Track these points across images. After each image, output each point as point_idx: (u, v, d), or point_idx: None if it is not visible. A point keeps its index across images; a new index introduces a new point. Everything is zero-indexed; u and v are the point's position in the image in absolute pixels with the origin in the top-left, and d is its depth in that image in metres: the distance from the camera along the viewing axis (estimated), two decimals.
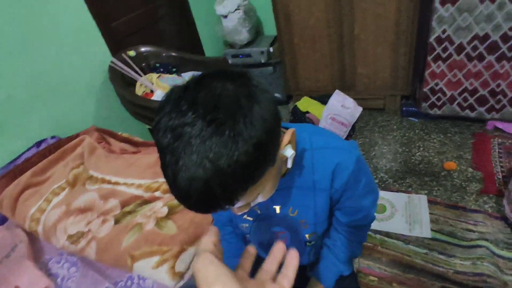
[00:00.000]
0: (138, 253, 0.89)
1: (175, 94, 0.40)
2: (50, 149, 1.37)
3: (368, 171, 0.60)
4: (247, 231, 0.68)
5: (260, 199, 0.48)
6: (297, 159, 0.55)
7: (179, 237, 0.91)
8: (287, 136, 0.47)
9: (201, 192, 0.37)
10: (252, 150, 0.37)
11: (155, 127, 0.40)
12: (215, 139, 0.36)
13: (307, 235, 0.64)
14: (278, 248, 0.42)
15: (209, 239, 0.40)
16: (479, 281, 1.23)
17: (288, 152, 0.47)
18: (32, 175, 1.27)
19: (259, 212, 0.64)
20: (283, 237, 0.66)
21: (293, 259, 0.40)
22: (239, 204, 0.43)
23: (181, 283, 0.84)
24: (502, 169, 1.64)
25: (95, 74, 1.65)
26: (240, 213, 0.49)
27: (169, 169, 0.38)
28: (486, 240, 1.35)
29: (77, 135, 1.46)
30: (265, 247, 0.72)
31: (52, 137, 1.46)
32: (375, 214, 1.55)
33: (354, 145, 0.58)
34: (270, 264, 0.41)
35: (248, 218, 0.66)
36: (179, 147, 0.37)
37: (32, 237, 1.14)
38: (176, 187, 0.39)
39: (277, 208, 0.61)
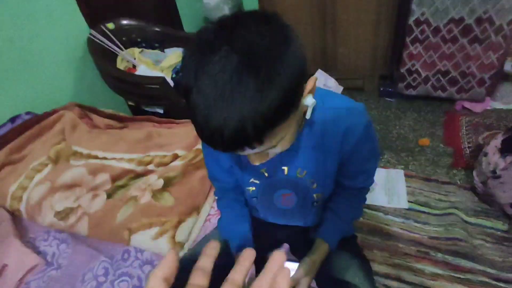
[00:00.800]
0: (135, 225, 0.88)
1: (207, 33, 0.40)
2: (26, 125, 1.29)
3: (375, 136, 0.63)
4: (254, 194, 0.70)
5: (279, 149, 0.49)
6: (310, 119, 0.56)
7: (177, 209, 0.91)
8: (310, 83, 0.47)
9: (234, 130, 0.38)
10: (285, 89, 0.38)
11: (184, 67, 0.39)
12: (251, 76, 0.36)
13: (315, 195, 0.67)
14: (247, 254, 0.32)
15: (159, 273, 0.28)
16: (451, 244, 1.35)
17: (309, 100, 0.47)
18: (9, 152, 1.19)
19: (266, 175, 0.65)
20: (289, 199, 0.68)
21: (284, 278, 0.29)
22: (265, 146, 0.44)
23: (182, 253, 0.85)
24: (470, 144, 1.78)
25: (72, 47, 1.55)
26: (259, 163, 0.50)
27: (200, 108, 0.38)
28: (456, 208, 1.47)
29: (54, 111, 1.38)
30: (271, 212, 0.74)
31: (27, 113, 1.37)
32: None
33: (363, 108, 0.60)
34: (236, 273, 0.30)
35: (255, 181, 0.67)
36: (213, 85, 0.37)
37: (13, 217, 1.08)
38: (208, 126, 0.39)
39: (285, 170, 0.63)
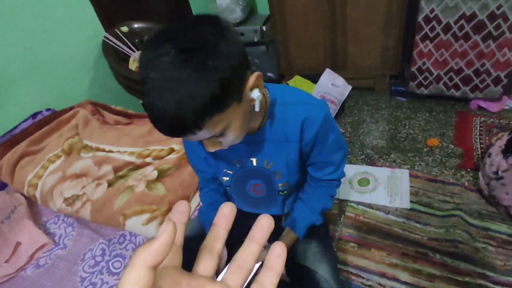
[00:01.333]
0: (129, 211, 0.96)
1: (155, 35, 0.46)
2: (45, 121, 1.42)
3: (337, 128, 0.66)
4: (228, 184, 0.75)
5: (231, 136, 0.53)
6: (271, 113, 0.61)
7: (168, 198, 0.97)
8: (252, 78, 0.52)
9: (173, 114, 0.44)
10: (216, 79, 0.43)
11: (139, 63, 0.46)
12: (186, 66, 0.42)
13: (280, 185, 0.70)
14: (226, 211, 0.25)
15: (147, 258, 0.18)
16: (451, 246, 1.32)
17: (255, 94, 0.52)
18: (29, 144, 1.32)
19: (238, 166, 0.70)
20: (259, 189, 0.72)
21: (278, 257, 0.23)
22: (207, 132, 0.48)
23: None
24: (482, 145, 1.71)
25: (89, 49, 1.67)
26: (213, 150, 0.55)
27: (148, 96, 0.45)
28: (460, 210, 1.43)
29: (71, 108, 1.51)
30: (245, 201, 0.78)
31: (47, 110, 1.50)
32: (362, 187, 1.62)
33: (324, 103, 0.63)
34: (214, 240, 0.25)
35: (229, 172, 0.72)
36: (156, 75, 0.43)
37: (30, 202, 1.20)
38: (153, 111, 0.45)
39: (254, 161, 0.67)
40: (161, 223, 0.91)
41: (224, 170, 0.72)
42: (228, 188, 0.76)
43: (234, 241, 0.78)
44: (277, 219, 0.79)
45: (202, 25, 0.45)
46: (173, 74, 0.42)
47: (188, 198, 1.00)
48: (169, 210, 0.95)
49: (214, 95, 0.44)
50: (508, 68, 1.75)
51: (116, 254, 0.93)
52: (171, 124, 0.45)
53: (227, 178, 0.73)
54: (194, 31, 0.45)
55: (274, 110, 0.61)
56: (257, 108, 0.53)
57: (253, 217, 0.81)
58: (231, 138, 0.53)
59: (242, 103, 0.50)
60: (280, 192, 0.72)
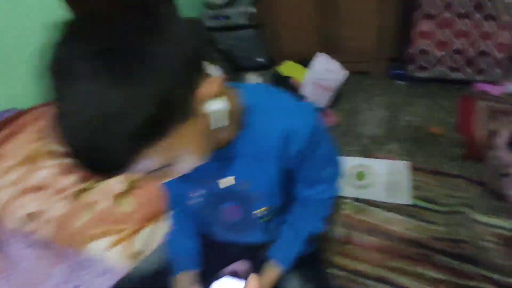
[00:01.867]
0: (92, 232, 0.84)
1: (66, 28, 0.32)
2: (6, 123, 1.27)
3: (328, 139, 0.53)
4: (196, 207, 0.61)
5: (186, 164, 0.40)
6: (245, 122, 0.48)
7: (136, 215, 0.85)
8: (209, 85, 0.37)
9: (87, 150, 0.31)
10: (144, 96, 0.30)
11: (43, 71, 0.32)
12: (103, 78, 0.29)
13: (259, 210, 0.58)
14: None
15: None
16: (455, 247, 1.22)
17: (212, 106, 0.38)
18: None
19: (207, 187, 0.57)
20: (235, 212, 0.59)
21: None
22: (145, 166, 0.35)
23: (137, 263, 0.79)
24: (487, 133, 1.59)
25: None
26: (166, 180, 0.42)
27: (56, 120, 0.31)
28: (465, 205, 1.33)
29: (38, 106, 1.35)
30: (218, 227, 0.66)
31: (7, 111, 1.34)
32: (358, 181, 1.50)
33: (312, 108, 0.50)
34: None
35: (197, 194, 0.59)
36: (62, 90, 0.30)
37: None
38: (65, 144, 0.31)
39: (226, 181, 0.54)
40: (128, 246, 0.79)
41: (191, 194, 0.59)
42: (198, 212, 0.63)
43: (208, 274, 0.66)
44: (257, 248, 0.65)
45: (131, 13, 0.31)
46: (85, 90, 0.29)
47: (160, 214, 0.87)
48: (139, 229, 0.82)
49: (147, 119, 0.30)
50: (509, 50, 1.61)
51: (78, 283, 0.81)
52: (86, 163, 0.32)
53: (195, 202, 0.60)
54: (117, 22, 0.31)
55: (250, 118, 0.48)
56: (213, 126, 0.40)
57: (228, 248, 0.66)
58: (187, 166, 0.40)
59: (194, 121, 0.36)
60: (261, 219, 0.59)
